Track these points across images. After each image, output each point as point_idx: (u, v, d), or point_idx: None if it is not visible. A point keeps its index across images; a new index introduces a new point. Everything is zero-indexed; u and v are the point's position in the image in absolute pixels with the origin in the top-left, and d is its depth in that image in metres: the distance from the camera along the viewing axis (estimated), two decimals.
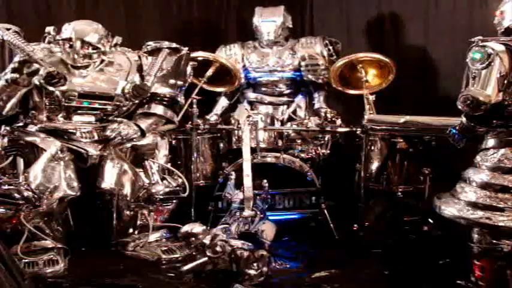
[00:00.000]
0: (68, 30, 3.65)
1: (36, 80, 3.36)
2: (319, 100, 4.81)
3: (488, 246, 2.79)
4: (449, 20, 4.61)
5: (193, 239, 3.09)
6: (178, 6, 5.28)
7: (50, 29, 3.68)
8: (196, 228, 3.13)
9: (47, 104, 3.61)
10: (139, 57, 3.93)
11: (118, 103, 3.78)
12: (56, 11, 4.64)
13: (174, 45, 4.00)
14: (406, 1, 4.94)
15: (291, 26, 4.81)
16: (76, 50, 3.62)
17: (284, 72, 4.80)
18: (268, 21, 4.68)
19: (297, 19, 5.68)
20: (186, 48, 4.06)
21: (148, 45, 4.00)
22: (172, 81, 3.96)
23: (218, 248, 3.01)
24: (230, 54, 4.80)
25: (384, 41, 5.06)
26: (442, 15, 4.68)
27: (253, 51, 4.83)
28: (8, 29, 3.42)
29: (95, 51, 3.68)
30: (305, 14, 5.71)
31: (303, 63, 4.73)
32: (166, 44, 3.99)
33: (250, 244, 3.13)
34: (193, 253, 3.25)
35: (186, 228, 3.15)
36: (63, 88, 3.51)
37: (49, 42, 3.68)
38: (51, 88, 3.42)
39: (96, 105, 3.74)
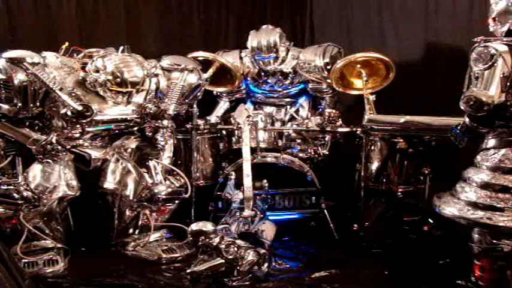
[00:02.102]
0: (121, 72, 3.49)
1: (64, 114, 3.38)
2: (326, 103, 4.79)
3: (489, 246, 2.79)
4: (449, 20, 4.60)
5: (202, 237, 3.08)
6: (179, 6, 5.27)
7: (93, 68, 3.54)
8: (208, 226, 3.13)
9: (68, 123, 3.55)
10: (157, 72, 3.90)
11: (134, 124, 3.79)
12: (56, 11, 4.63)
13: (191, 66, 3.97)
14: (406, 1, 4.93)
15: (288, 43, 4.67)
16: (124, 92, 3.60)
17: (287, 90, 4.77)
18: (267, 59, 4.55)
19: (297, 22, 5.70)
20: (205, 77, 4.07)
21: (167, 63, 3.93)
22: (184, 101, 3.98)
23: (232, 250, 3.05)
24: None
25: (384, 41, 5.06)
26: (442, 15, 4.67)
27: (252, 67, 4.72)
28: (36, 64, 3.37)
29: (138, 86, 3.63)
30: (305, 16, 5.71)
31: (310, 86, 4.68)
32: (185, 65, 3.94)
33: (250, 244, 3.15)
34: (199, 253, 3.22)
35: (198, 226, 3.13)
36: (90, 119, 3.46)
37: (97, 71, 3.52)
38: (79, 120, 3.42)
39: (113, 127, 3.75)
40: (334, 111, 4.30)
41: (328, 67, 4.50)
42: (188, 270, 3.12)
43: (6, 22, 4.40)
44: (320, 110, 4.75)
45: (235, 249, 3.07)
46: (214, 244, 3.06)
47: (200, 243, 3.09)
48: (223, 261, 3.06)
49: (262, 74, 4.74)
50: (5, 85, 3.36)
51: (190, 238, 3.17)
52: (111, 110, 3.64)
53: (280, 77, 4.71)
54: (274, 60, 4.59)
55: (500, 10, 2.85)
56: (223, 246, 3.06)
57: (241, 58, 4.77)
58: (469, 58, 2.80)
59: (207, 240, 3.07)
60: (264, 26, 4.63)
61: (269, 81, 4.75)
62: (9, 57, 3.36)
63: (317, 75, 4.57)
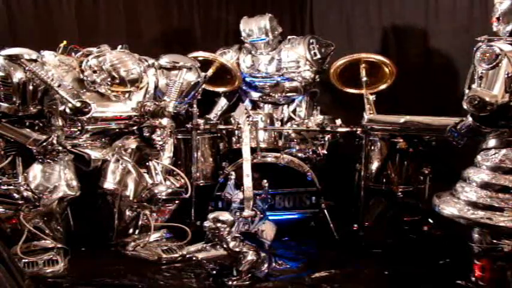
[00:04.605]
0: (117, 71, 3.48)
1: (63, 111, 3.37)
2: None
3: (489, 246, 2.79)
4: (449, 20, 4.60)
5: (224, 226, 3.12)
6: (179, 6, 5.27)
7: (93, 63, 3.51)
8: (227, 216, 3.19)
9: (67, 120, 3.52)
10: (155, 69, 3.87)
11: (134, 122, 3.77)
12: (55, 10, 4.63)
13: (190, 64, 3.95)
14: (406, 1, 4.93)
15: (280, 30, 4.75)
16: (125, 91, 3.60)
17: (273, 78, 4.80)
18: (258, 40, 4.66)
19: (296, 21, 5.70)
20: (204, 74, 4.07)
21: (165, 61, 3.90)
22: (183, 99, 3.96)
23: (237, 243, 3.09)
24: (226, 58, 4.78)
25: (384, 41, 5.06)
26: (442, 15, 4.68)
27: (248, 55, 4.82)
28: (35, 60, 3.36)
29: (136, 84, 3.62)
30: (305, 16, 5.71)
31: (283, 67, 4.72)
32: (183, 62, 3.92)
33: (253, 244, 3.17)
34: (204, 242, 3.25)
35: (220, 214, 3.20)
36: (89, 116, 3.42)
37: (94, 72, 3.49)
38: (78, 117, 3.40)
39: (113, 126, 3.74)
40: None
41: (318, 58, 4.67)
42: (188, 254, 3.14)
43: (6, 22, 4.40)
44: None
45: (240, 243, 3.09)
46: (223, 234, 3.08)
47: (216, 232, 3.11)
48: (226, 253, 3.08)
49: (253, 59, 4.77)
50: (4, 82, 3.34)
51: (209, 224, 3.14)
52: (110, 107, 3.63)
53: (269, 62, 4.74)
54: (267, 44, 4.67)
55: (505, 10, 2.84)
56: (229, 238, 3.09)
57: (239, 49, 4.88)
58: (473, 57, 2.79)
59: (223, 229, 3.10)
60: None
61: (260, 68, 4.76)
62: (7, 54, 3.35)
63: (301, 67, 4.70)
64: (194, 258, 3.14)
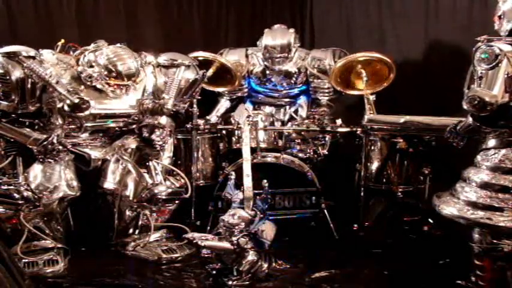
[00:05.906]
0: (114, 65, 3.48)
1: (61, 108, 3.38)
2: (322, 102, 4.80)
3: (489, 246, 2.79)
4: (449, 19, 4.60)
5: (242, 223, 3.16)
6: (179, 7, 5.27)
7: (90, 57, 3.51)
8: (245, 213, 3.23)
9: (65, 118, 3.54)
10: (153, 67, 3.88)
11: (133, 120, 3.77)
12: (56, 11, 4.63)
13: (188, 61, 3.95)
14: (406, 1, 4.93)
15: (298, 44, 4.67)
16: (122, 85, 3.58)
17: (290, 89, 4.78)
18: (279, 59, 4.55)
19: (296, 21, 5.69)
20: (202, 72, 4.05)
21: (164, 59, 3.92)
22: (182, 97, 3.95)
23: (245, 239, 3.09)
24: (233, 58, 4.75)
25: (384, 41, 5.06)
26: (442, 15, 4.68)
27: (258, 65, 4.73)
28: (33, 57, 3.37)
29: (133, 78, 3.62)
30: (305, 16, 5.71)
31: (312, 85, 4.69)
32: (181, 60, 3.93)
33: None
34: (212, 233, 3.29)
35: (240, 212, 3.23)
36: (87, 113, 3.46)
37: (91, 66, 3.51)
38: (76, 114, 3.41)
39: (112, 124, 3.74)
40: (321, 110, 4.36)
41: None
42: (193, 239, 3.13)
43: (6, 22, 4.40)
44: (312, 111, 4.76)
45: (247, 239, 3.10)
46: (233, 228, 3.10)
47: (231, 227, 3.12)
48: (231, 248, 3.08)
49: (267, 72, 4.73)
50: (3, 80, 3.35)
51: (228, 218, 3.16)
52: (109, 104, 3.64)
53: (284, 76, 4.71)
54: (283, 60, 4.59)
55: (507, 9, 2.84)
56: (240, 234, 3.10)
57: (247, 56, 4.78)
58: (473, 57, 2.78)
59: (240, 226, 3.11)
60: (277, 26, 4.66)
61: (273, 79, 4.75)
62: (5, 52, 3.36)
63: (324, 72, 4.61)
64: (194, 241, 3.11)
